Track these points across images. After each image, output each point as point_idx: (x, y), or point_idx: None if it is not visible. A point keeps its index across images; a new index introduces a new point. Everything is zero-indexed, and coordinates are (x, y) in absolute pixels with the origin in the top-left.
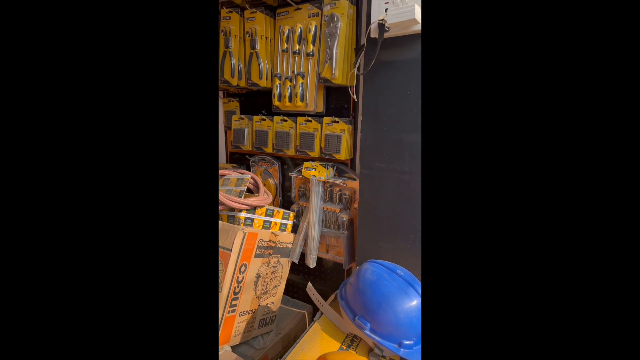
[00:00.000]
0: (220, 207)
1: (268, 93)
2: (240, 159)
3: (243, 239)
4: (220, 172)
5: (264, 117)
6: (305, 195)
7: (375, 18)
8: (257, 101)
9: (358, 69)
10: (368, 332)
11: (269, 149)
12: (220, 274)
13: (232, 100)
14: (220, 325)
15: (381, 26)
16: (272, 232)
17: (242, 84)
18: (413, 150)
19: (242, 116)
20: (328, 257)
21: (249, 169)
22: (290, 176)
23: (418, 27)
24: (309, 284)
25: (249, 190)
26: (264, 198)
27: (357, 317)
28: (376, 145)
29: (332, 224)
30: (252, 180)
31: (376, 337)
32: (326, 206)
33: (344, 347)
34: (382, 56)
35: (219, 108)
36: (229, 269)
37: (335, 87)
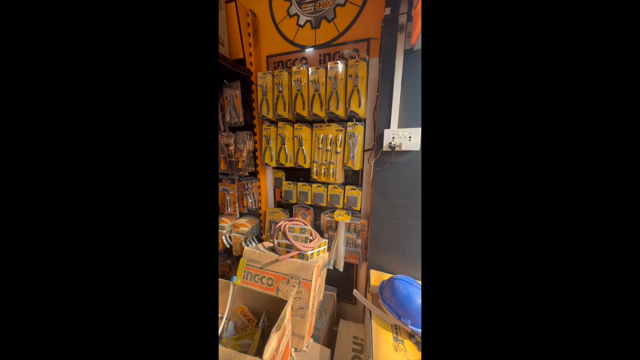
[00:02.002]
0: (297, 251)
1: (306, 170)
2: (285, 205)
3: (315, 270)
4: (290, 223)
5: (305, 183)
6: (331, 228)
7: (387, 141)
8: (297, 173)
9: (369, 162)
10: (411, 327)
11: (309, 202)
12: (305, 297)
13: (280, 171)
14: (311, 327)
15: (392, 147)
16: (323, 258)
17: (291, 164)
18: (403, 208)
19: (289, 182)
20: (346, 261)
21: (291, 212)
22: (320, 216)
23: (416, 147)
24: (355, 290)
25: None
26: (317, 239)
27: (401, 317)
28: (380, 204)
29: (351, 245)
30: (311, 230)
31: (415, 329)
32: (347, 234)
33: (394, 334)
34: (385, 158)
35: (271, 176)
36: (312, 293)
37: (351, 170)
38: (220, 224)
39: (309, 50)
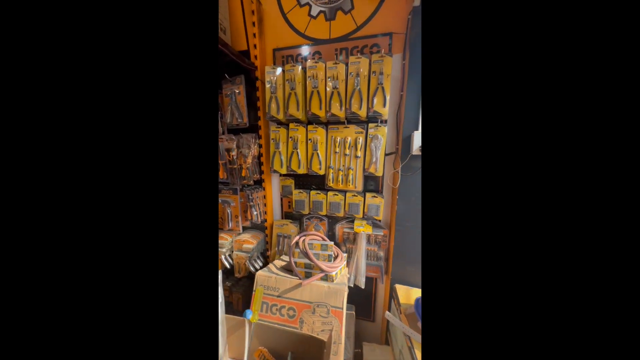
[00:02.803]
0: (322, 273)
1: (319, 177)
2: (294, 216)
3: (345, 295)
4: (309, 238)
5: (319, 192)
6: (349, 240)
7: (417, 144)
8: (308, 181)
9: (394, 167)
10: None
11: (324, 212)
12: (336, 328)
13: (289, 179)
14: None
15: None
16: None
17: (303, 171)
18: None
19: (301, 190)
20: (366, 276)
21: (301, 224)
22: (335, 227)
23: None
24: (388, 312)
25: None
26: (341, 256)
27: None
28: (406, 213)
29: (372, 258)
30: (333, 245)
31: None
32: (367, 247)
33: None
34: (414, 162)
35: (278, 184)
36: (343, 323)
37: (372, 176)
38: (220, 242)
39: (315, 45)
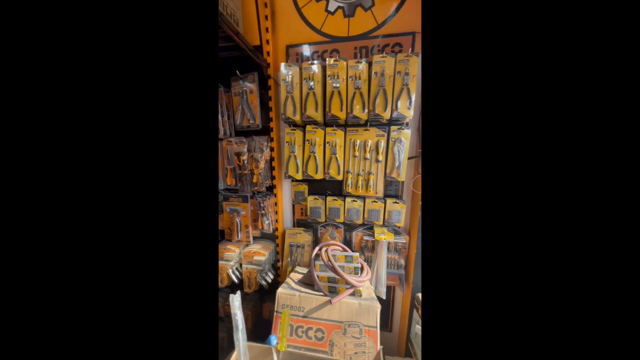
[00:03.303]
0: (352, 288)
1: (336, 182)
2: (307, 224)
3: (378, 312)
4: (331, 248)
5: (335, 198)
6: (367, 248)
7: None
8: (322, 185)
9: (418, 171)
10: None
11: (341, 220)
12: (370, 351)
13: (302, 184)
14: None
15: None
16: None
17: (320, 176)
18: None
19: (317, 197)
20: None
21: (315, 232)
22: (352, 235)
23: None
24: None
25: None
26: (366, 268)
27: None
28: None
29: (392, 266)
30: (359, 258)
31: None
32: (388, 255)
33: None
34: None
35: (290, 190)
36: (378, 343)
37: (393, 181)
38: (227, 254)
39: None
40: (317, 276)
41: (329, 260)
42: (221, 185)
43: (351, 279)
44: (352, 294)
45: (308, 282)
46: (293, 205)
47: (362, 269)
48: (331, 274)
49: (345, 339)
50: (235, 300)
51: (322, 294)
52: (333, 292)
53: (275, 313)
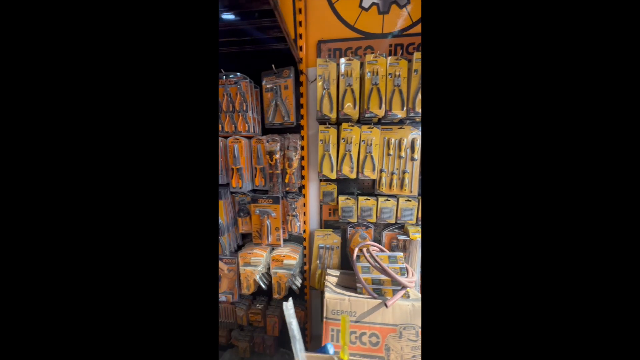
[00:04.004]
0: (402, 290)
1: (366, 181)
2: (335, 225)
3: None
4: (372, 249)
5: (367, 197)
6: (398, 247)
7: None
8: (351, 185)
9: None
10: None
11: (373, 220)
12: None
13: (331, 184)
14: None
15: None
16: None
17: (354, 176)
18: None
19: (348, 197)
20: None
21: (344, 233)
22: (382, 235)
23: None
24: None
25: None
26: (411, 270)
27: None
28: None
29: None
30: (402, 257)
31: None
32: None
33: None
34: None
35: (317, 190)
36: None
37: None
38: (254, 259)
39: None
40: (362, 278)
41: (376, 261)
42: (249, 186)
43: (403, 280)
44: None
45: (346, 284)
46: (320, 206)
47: (407, 269)
48: (375, 276)
49: (402, 343)
50: (290, 308)
51: (370, 297)
52: (379, 294)
53: (324, 320)
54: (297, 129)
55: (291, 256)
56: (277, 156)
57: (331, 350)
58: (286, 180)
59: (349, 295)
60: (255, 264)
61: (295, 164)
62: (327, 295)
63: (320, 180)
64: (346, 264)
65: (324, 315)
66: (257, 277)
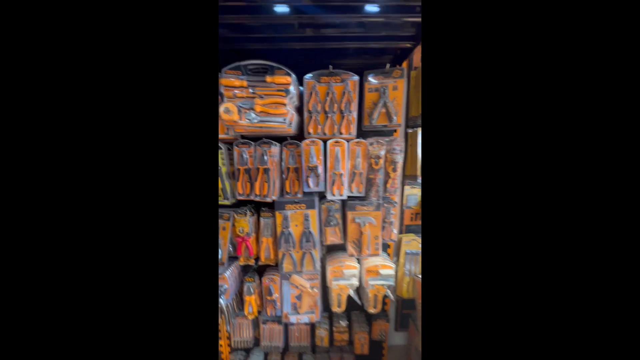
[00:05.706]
0: None
1: None
2: (415, 230)
3: None
4: None
5: None
6: None
7: None
8: None
9: None
10: None
11: None
12: None
13: (415, 187)
14: None
15: None
16: None
17: None
18: None
19: None
20: None
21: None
22: None
23: None
24: None
25: None
26: None
27: None
28: None
29: None
30: None
31: None
32: None
33: None
34: None
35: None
36: None
37: None
38: (347, 271)
39: None
40: None
41: None
42: (346, 193)
43: None
44: None
45: None
46: (402, 211)
47: None
48: None
49: None
50: None
51: None
52: None
53: None
54: (390, 132)
55: (387, 265)
56: (382, 160)
57: None
58: (388, 185)
59: None
60: (349, 277)
61: (399, 169)
62: None
63: (407, 184)
64: None
65: None
66: (351, 292)
